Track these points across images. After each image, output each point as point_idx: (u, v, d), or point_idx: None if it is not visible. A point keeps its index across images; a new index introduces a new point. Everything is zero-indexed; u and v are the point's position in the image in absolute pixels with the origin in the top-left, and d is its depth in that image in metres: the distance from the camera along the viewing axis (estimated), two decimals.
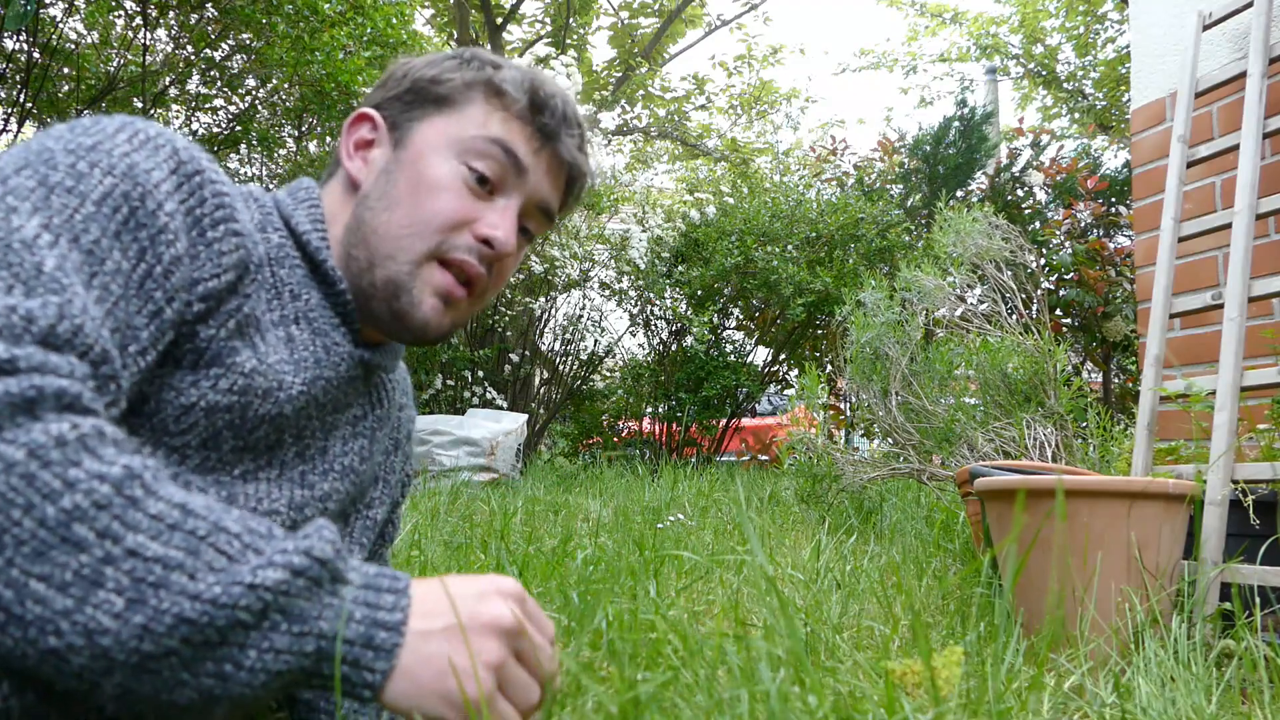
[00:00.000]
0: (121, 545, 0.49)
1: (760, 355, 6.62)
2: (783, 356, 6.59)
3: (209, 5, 4.49)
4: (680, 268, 6.09)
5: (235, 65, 5.07)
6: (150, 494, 0.52)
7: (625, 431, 6.55)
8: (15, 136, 4.49)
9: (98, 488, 0.50)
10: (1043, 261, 5.27)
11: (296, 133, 5.72)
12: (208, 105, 5.42)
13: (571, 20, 11.66)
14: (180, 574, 0.50)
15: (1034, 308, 3.02)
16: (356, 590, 0.56)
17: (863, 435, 4.69)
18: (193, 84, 5.16)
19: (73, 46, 4.77)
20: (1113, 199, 5.99)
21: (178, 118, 5.56)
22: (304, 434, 0.81)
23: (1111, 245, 5.48)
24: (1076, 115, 12.94)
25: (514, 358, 6.14)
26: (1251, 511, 1.44)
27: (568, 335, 6.43)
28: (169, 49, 5.08)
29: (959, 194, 6.73)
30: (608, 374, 6.99)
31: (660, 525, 2.47)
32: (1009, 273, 2.98)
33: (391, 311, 0.82)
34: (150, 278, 0.66)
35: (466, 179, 0.83)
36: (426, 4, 11.18)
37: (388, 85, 0.89)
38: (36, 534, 0.47)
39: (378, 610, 0.56)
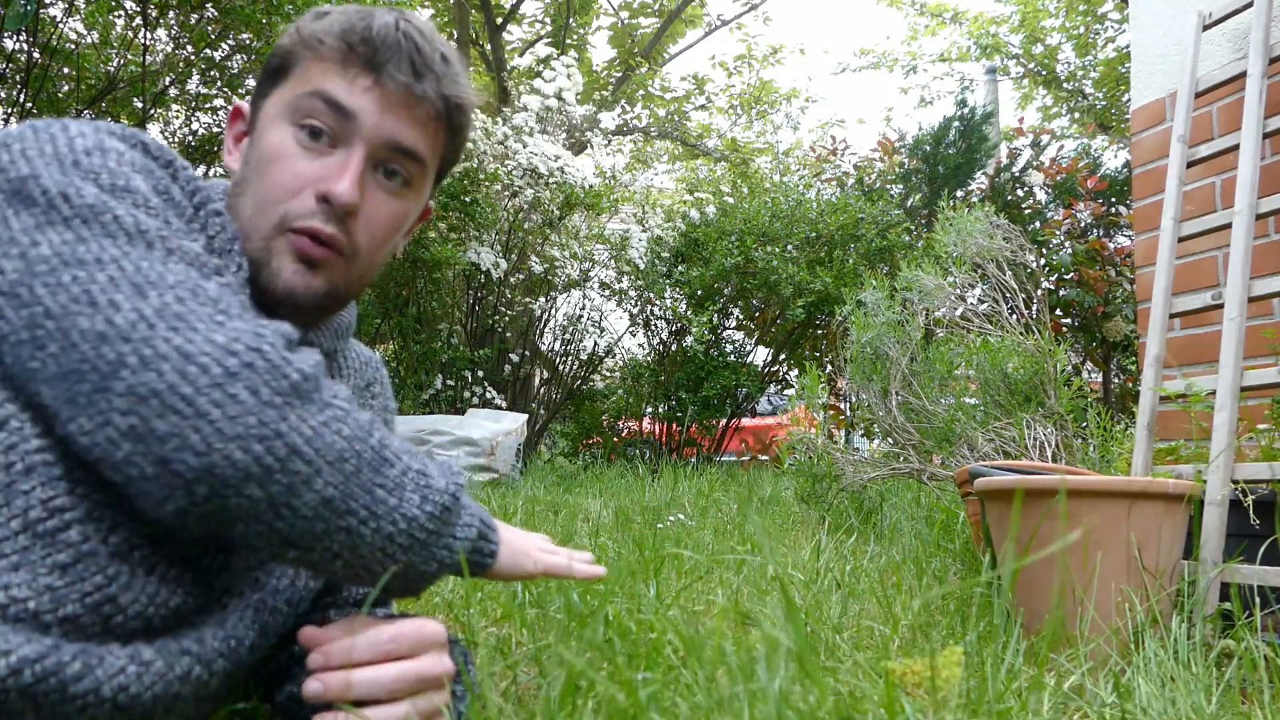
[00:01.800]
0: (403, 462, 0.74)
1: (760, 355, 6.62)
2: (783, 356, 6.59)
3: (209, 5, 4.48)
4: (680, 268, 6.09)
5: (235, 65, 5.07)
6: (387, 429, 0.78)
7: (625, 431, 6.54)
8: None
9: (378, 426, 0.73)
10: (1043, 261, 5.27)
11: None
12: (208, 105, 5.41)
13: (571, 20, 11.66)
14: (430, 479, 0.76)
15: (1034, 308, 3.02)
16: (473, 505, 0.82)
17: (863, 435, 4.69)
18: (193, 84, 5.15)
19: (73, 46, 4.77)
20: (1113, 199, 5.99)
21: (178, 118, 5.55)
22: None
23: (1111, 245, 5.48)
24: (1076, 115, 12.94)
25: (514, 358, 6.14)
26: (1251, 511, 1.44)
27: (568, 335, 6.42)
28: (169, 49, 5.08)
29: (959, 194, 6.72)
30: (608, 374, 6.99)
31: (660, 525, 2.47)
32: (1009, 273, 2.98)
33: (260, 290, 0.82)
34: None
35: (299, 139, 0.82)
36: (426, 4, 11.18)
37: None
38: (371, 455, 0.71)
39: (484, 514, 0.83)
